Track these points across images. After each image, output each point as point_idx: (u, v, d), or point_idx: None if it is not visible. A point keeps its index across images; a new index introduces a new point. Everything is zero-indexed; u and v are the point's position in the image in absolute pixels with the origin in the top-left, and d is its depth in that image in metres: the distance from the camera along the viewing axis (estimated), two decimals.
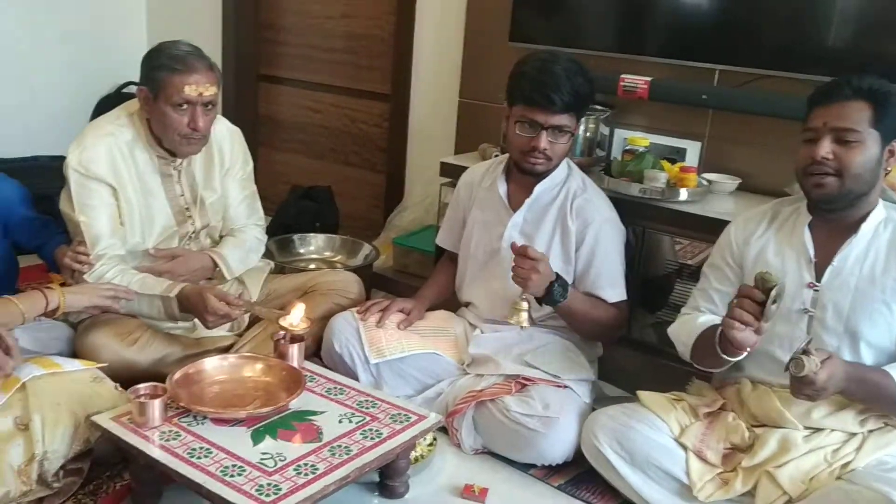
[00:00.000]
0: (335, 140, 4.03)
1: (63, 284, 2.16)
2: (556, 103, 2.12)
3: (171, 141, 2.26)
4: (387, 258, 3.28)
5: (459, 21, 3.20)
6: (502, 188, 2.36)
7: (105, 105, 3.77)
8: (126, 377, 2.05)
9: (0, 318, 1.82)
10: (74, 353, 2.18)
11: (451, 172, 2.83)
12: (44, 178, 2.96)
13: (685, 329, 1.99)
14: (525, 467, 2.12)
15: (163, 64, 2.18)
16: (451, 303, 2.54)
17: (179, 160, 2.35)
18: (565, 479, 2.08)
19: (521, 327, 2.15)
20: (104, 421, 1.80)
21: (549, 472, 2.10)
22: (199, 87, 2.18)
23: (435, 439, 2.13)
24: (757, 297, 1.68)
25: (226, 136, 2.47)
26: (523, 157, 2.22)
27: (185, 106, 2.19)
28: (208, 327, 2.21)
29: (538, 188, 2.28)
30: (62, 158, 2.26)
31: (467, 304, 2.48)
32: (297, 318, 2.07)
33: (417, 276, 3.03)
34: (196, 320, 2.26)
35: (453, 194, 2.58)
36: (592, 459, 2.00)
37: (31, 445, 1.75)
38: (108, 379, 1.98)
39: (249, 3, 4.10)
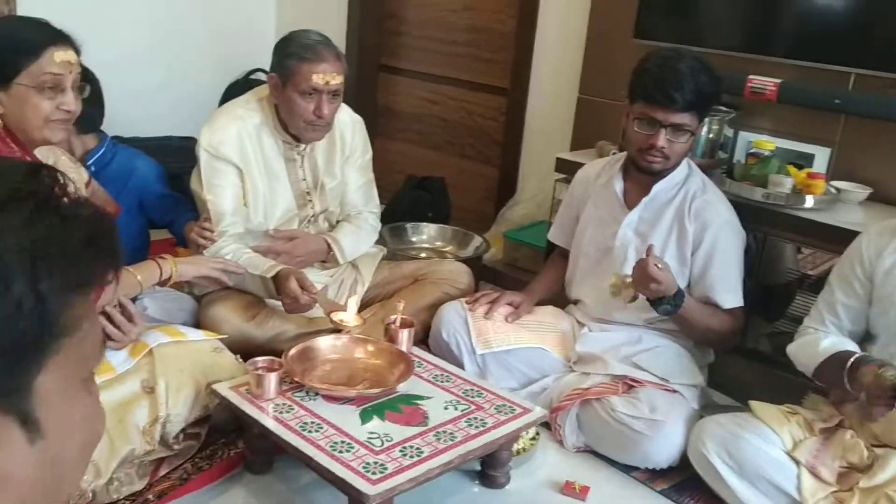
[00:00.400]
0: (451, 132, 4.06)
1: None
2: (677, 101, 2.08)
3: (296, 127, 2.34)
4: (497, 251, 3.29)
5: (583, 17, 3.16)
6: (618, 186, 2.33)
7: (233, 90, 3.91)
8: (243, 350, 2.15)
9: (121, 289, 1.92)
10: (197, 325, 2.29)
11: (567, 168, 2.81)
12: (175, 157, 3.09)
13: (806, 352, 1.92)
14: (627, 469, 2.09)
15: (293, 52, 2.26)
16: (560, 299, 2.53)
17: (303, 145, 2.43)
18: (669, 485, 2.04)
19: (626, 302, 2.11)
20: (223, 389, 1.89)
21: (652, 476, 2.07)
22: (327, 75, 2.25)
23: (538, 433, 2.13)
24: (884, 395, 1.64)
25: (348, 125, 2.53)
26: (641, 154, 2.19)
27: (311, 93, 2.26)
28: (286, 310, 2.27)
29: (656, 187, 2.24)
30: (192, 139, 2.37)
31: (576, 302, 2.46)
32: (349, 316, 2.10)
33: (526, 271, 3.03)
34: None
35: (568, 190, 2.57)
36: (699, 466, 1.96)
37: (155, 408, 1.85)
38: (228, 350, 2.08)
39: None
